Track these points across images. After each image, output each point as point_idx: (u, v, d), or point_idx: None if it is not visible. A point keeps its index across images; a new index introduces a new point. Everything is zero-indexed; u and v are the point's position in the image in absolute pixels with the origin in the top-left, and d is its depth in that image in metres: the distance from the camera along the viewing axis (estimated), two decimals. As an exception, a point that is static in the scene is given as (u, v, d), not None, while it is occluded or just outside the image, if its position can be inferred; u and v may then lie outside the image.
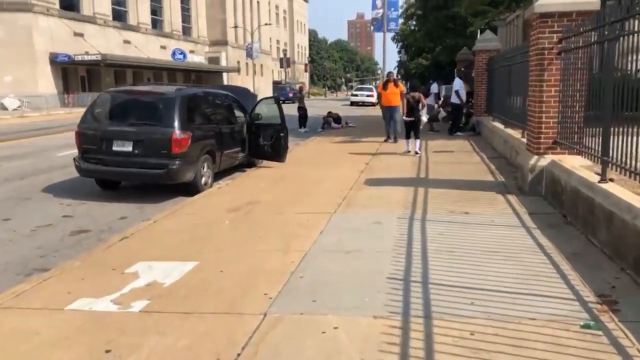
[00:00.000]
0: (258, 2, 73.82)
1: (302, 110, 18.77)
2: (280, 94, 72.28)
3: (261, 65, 73.56)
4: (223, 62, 61.15)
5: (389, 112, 13.76)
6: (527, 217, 5.88)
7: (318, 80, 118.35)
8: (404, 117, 13.02)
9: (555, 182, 6.33)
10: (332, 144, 13.87)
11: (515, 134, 9.83)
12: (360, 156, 11.42)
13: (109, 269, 4.65)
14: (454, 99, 14.99)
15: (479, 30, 29.06)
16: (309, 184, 8.41)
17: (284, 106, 10.79)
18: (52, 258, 5.41)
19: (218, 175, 9.43)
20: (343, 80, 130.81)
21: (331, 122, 18.92)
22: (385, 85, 13.93)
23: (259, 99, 10.86)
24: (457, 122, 15.16)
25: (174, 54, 47.44)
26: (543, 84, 6.83)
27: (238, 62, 64.63)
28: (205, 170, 8.45)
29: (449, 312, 3.48)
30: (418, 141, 11.56)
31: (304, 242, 5.22)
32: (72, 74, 39.30)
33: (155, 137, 7.69)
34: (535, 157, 7.01)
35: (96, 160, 7.90)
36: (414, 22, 51.43)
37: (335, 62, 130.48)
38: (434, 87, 16.63)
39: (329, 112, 19.56)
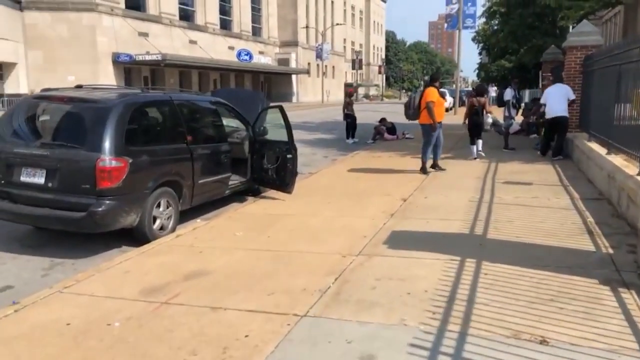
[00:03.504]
0: (332, 2, 71.66)
1: (350, 117, 16.00)
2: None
3: (333, 67, 71.31)
4: (293, 64, 59.42)
5: (434, 130, 9.33)
6: (673, 372, 2.88)
7: (395, 82, 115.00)
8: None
9: None
10: (374, 164, 11.01)
11: (629, 166, 6.58)
12: (402, 184, 8.55)
13: None
14: (559, 110, 10.87)
15: (570, 27, 25.08)
16: (304, 236, 5.71)
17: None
18: None
19: (201, 209, 7.02)
20: (422, 82, 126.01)
21: (384, 133, 16.01)
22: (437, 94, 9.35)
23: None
24: (563, 141, 11.42)
25: (239, 54, 46.08)
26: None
27: (308, 63, 62.73)
28: (161, 209, 5.97)
29: None
30: (480, 142, 11.39)
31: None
32: (135, 74, 38.82)
33: (74, 165, 5.30)
34: (678, 225, 3.92)
35: (3, 194, 5.63)
36: (497, 22, 47.27)
37: (413, 64, 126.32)
38: (508, 94, 12.99)
39: (382, 120, 16.64)
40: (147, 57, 35.57)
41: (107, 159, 5.25)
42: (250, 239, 5.64)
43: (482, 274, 4.37)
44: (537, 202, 7.01)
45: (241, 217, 6.71)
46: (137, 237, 5.79)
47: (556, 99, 11.00)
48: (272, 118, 8.37)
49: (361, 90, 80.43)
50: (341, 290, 4.13)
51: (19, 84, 32.25)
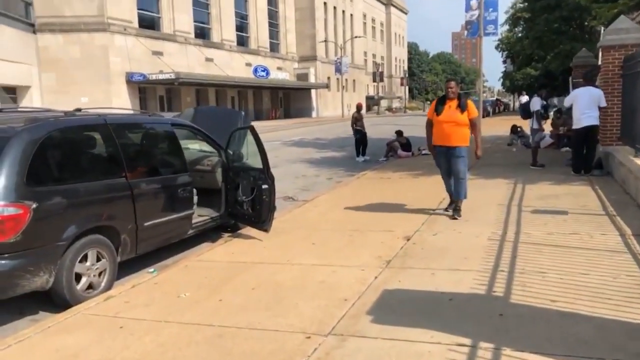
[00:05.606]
0: (351, 15, 70.72)
1: (360, 133, 14.66)
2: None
3: (353, 81, 70.13)
4: (312, 79, 58.49)
5: (446, 157, 6.93)
6: None
7: (418, 94, 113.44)
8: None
9: None
10: (380, 187, 9.58)
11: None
12: (409, 215, 7.12)
13: None
14: (592, 118, 9.49)
15: (602, 28, 23.41)
16: (266, 299, 4.33)
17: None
18: None
19: (162, 253, 5.77)
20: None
21: (397, 149, 14.57)
22: (439, 107, 6.82)
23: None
24: (594, 153, 10.07)
25: (255, 70, 45.29)
26: None
27: (328, 77, 61.75)
28: (89, 264, 4.69)
29: None
30: None
31: None
32: (150, 94, 38.28)
33: (-43, 214, 4.07)
34: None
35: None
36: (521, 29, 45.58)
37: (437, 75, 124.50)
38: (536, 103, 11.27)
39: (399, 133, 15.18)
40: (161, 76, 34.97)
41: (2, 204, 4.00)
42: (195, 304, 4.29)
43: (501, 375, 2.93)
44: (576, 240, 5.49)
45: (200, 266, 5.37)
46: (55, 301, 4.53)
47: (586, 105, 9.47)
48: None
49: (384, 103, 79.06)
50: (285, 408, 2.74)
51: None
